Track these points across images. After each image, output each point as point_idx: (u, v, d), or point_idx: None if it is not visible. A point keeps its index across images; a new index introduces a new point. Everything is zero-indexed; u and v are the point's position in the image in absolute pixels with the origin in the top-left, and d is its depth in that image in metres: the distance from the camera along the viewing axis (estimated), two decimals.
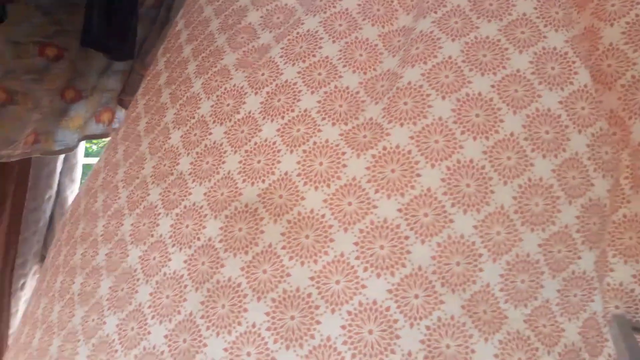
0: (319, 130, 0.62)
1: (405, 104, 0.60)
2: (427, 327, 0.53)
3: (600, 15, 0.64)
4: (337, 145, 0.61)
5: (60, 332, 0.68)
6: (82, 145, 1.19)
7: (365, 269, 0.55)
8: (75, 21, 0.88)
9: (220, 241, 0.61)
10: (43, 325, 0.73)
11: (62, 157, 1.12)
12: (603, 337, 0.58)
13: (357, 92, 0.64)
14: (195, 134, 0.72)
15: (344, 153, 0.60)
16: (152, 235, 0.68)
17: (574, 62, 0.60)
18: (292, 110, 0.65)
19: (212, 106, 0.72)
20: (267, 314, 0.56)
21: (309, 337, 0.54)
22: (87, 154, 1.32)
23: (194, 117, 0.73)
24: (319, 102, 0.64)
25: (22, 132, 0.87)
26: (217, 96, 0.72)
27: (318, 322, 0.55)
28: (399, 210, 0.56)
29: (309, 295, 0.56)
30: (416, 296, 0.54)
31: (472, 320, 0.53)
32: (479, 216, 0.56)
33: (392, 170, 0.58)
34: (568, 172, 0.58)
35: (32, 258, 1.09)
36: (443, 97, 0.61)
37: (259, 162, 0.64)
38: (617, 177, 0.61)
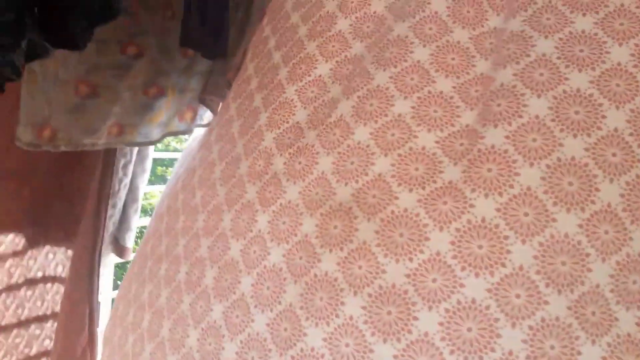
0: (415, 137, 0.63)
1: (499, 105, 0.60)
2: (530, 327, 0.52)
3: None
4: (433, 154, 0.62)
5: (170, 316, 0.75)
6: None
7: (463, 269, 0.56)
8: (155, 22, 0.95)
9: (316, 237, 0.64)
10: (151, 309, 0.80)
11: (136, 148, 1.22)
12: None
13: (452, 98, 0.65)
14: (289, 137, 0.75)
15: (440, 162, 0.61)
16: (252, 231, 0.72)
17: None
18: (386, 115, 0.66)
19: (308, 115, 0.75)
20: (364, 307, 0.58)
21: (406, 331, 0.56)
22: (156, 149, 1.42)
23: (287, 122, 0.77)
24: (412, 107, 0.65)
25: (103, 123, 0.94)
26: (314, 107, 0.75)
27: (415, 318, 0.56)
28: (498, 209, 0.56)
29: (405, 292, 0.57)
30: (517, 296, 0.53)
31: (579, 321, 0.52)
32: (583, 215, 0.54)
33: (489, 170, 0.58)
34: None
35: (107, 240, 1.20)
36: (539, 96, 0.59)
37: (352, 163, 0.66)
38: None
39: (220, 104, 1.12)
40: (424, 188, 0.60)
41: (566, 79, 0.60)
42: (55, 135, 0.85)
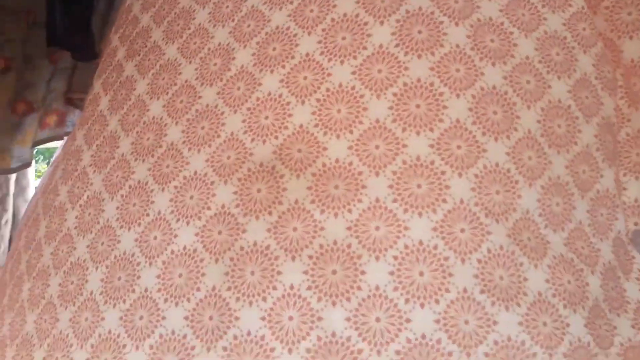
0: (329, 74, 0.58)
1: (420, 32, 0.58)
2: (479, 260, 0.51)
3: None
4: (352, 88, 0.57)
5: (45, 340, 0.59)
6: (33, 166, 1.10)
7: (406, 211, 0.52)
8: (18, 29, 0.81)
9: (237, 206, 0.55)
10: (16, 341, 0.63)
11: (13, 179, 1.02)
12: (630, 254, 0.59)
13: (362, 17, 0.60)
14: (181, 101, 0.65)
15: (362, 95, 0.56)
16: (148, 215, 0.60)
17: None
18: (293, 57, 0.60)
19: (196, 69, 0.65)
20: (306, 272, 0.51)
21: (355, 289, 0.50)
22: (38, 176, 1.21)
23: (175, 84, 0.66)
24: (319, 42, 0.60)
25: None
26: (201, 58, 0.66)
27: (363, 272, 0.51)
28: (431, 145, 0.54)
29: (349, 245, 0.52)
30: (462, 230, 0.51)
31: (520, 247, 0.51)
32: (509, 142, 0.54)
33: (417, 106, 0.55)
34: (581, 91, 0.58)
35: None
36: (457, 24, 0.59)
37: (266, 118, 0.59)
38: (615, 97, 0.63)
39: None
40: (351, 132, 0.55)
41: (478, 7, 0.60)
42: None
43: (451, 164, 0.53)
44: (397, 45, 0.58)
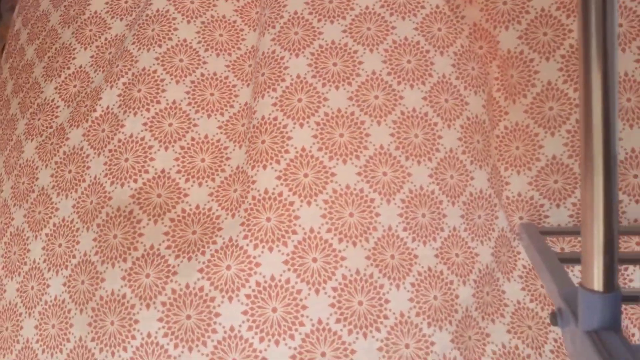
0: (195, 125, 0.57)
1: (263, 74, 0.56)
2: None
3: None
4: (217, 141, 0.56)
5: None
6: None
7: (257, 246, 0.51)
8: None
9: (96, 253, 0.55)
10: None
11: None
12: (515, 250, 0.58)
13: (227, 77, 0.59)
14: (51, 143, 0.64)
15: (226, 147, 0.55)
16: (26, 263, 0.60)
17: None
18: (158, 102, 0.58)
19: (70, 113, 0.64)
20: (160, 320, 0.51)
21: (210, 331, 0.50)
22: None
23: (51, 127, 0.65)
24: (187, 92, 0.58)
25: None
26: (77, 102, 0.64)
27: (217, 313, 0.50)
28: (279, 181, 0.52)
29: (201, 288, 0.51)
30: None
31: (378, 269, 0.50)
32: (359, 162, 0.52)
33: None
34: (439, 95, 0.55)
35: None
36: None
37: (126, 160, 0.57)
38: (489, 91, 0.60)
39: None
40: (213, 180, 0.54)
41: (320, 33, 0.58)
42: None
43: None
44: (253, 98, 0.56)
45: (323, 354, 0.49)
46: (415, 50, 0.55)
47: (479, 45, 0.60)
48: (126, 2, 0.67)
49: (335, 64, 0.55)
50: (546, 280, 0.38)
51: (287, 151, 0.53)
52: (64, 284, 0.56)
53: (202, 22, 0.62)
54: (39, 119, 0.66)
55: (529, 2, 0.61)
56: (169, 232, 0.54)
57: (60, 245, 0.58)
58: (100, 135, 0.60)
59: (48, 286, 0.57)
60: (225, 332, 0.50)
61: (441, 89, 0.55)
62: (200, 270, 0.51)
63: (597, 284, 0.32)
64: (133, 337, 0.51)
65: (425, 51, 0.55)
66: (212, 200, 0.55)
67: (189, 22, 0.62)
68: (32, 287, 0.58)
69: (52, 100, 0.66)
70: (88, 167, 0.60)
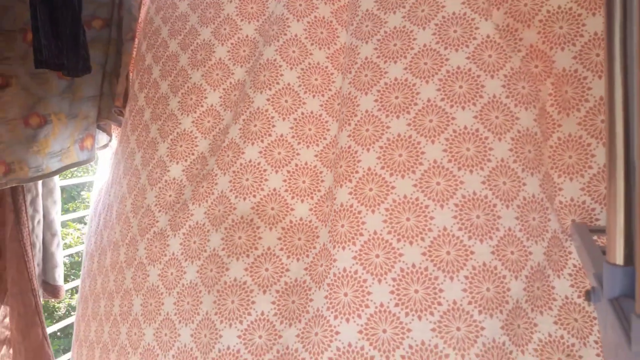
0: (297, 154, 0.73)
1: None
2: (394, 279, 0.61)
3: None
4: (314, 167, 0.73)
5: (113, 348, 0.77)
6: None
7: (335, 246, 0.63)
8: (14, 47, 0.87)
9: (223, 249, 0.71)
10: (99, 346, 0.83)
11: (41, 182, 1.11)
12: (566, 251, 0.64)
13: (320, 115, 0.74)
14: (196, 168, 0.80)
15: (321, 172, 0.73)
16: (165, 255, 0.78)
17: (473, 19, 0.67)
18: (269, 135, 0.74)
19: (209, 144, 0.80)
20: (273, 302, 0.65)
21: (305, 313, 0.63)
22: (62, 177, 1.34)
23: (193, 154, 0.81)
24: (291, 127, 0.74)
25: None
26: (214, 135, 0.81)
27: (311, 300, 0.62)
28: (349, 192, 0.65)
29: (304, 282, 0.64)
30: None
31: (434, 263, 0.59)
32: (415, 176, 0.62)
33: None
34: (490, 113, 0.64)
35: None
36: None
37: (247, 180, 0.74)
38: (542, 107, 0.67)
39: (115, 127, 1.12)
40: (312, 198, 0.71)
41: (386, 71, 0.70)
42: None
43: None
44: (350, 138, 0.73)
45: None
46: (467, 76, 0.65)
47: (534, 64, 0.68)
48: (244, 51, 0.82)
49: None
50: (588, 267, 0.45)
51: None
52: (197, 271, 0.72)
53: (302, 69, 0.76)
54: (180, 146, 0.82)
55: (583, 27, 0.67)
56: (281, 237, 0.70)
57: (194, 242, 0.73)
58: (226, 160, 0.75)
59: (185, 272, 0.73)
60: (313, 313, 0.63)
61: (492, 107, 0.64)
62: (305, 269, 0.66)
63: (619, 258, 0.39)
64: (249, 314, 0.66)
65: (476, 76, 0.64)
66: (312, 214, 0.72)
67: (291, 69, 0.76)
68: (172, 273, 0.74)
69: (191, 132, 0.82)
70: (216, 184, 0.75)
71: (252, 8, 0.84)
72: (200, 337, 0.69)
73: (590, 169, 0.66)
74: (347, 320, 0.62)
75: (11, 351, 1.05)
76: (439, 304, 0.58)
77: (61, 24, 0.78)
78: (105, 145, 1.15)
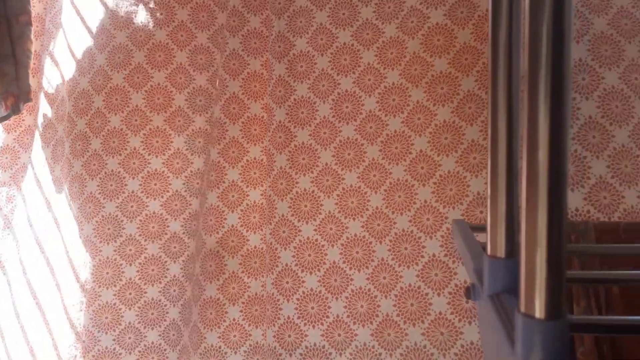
0: (343, 179, 0.92)
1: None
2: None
3: None
4: (358, 187, 0.91)
5: None
6: None
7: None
8: None
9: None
10: None
11: None
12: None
13: (356, 139, 0.93)
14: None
15: (365, 192, 0.92)
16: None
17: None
18: (317, 166, 0.94)
19: (271, 181, 0.99)
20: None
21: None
22: None
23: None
24: (333, 156, 0.98)
25: None
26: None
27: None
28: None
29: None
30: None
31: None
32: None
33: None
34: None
35: None
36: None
37: (305, 206, 0.94)
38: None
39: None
40: (362, 216, 0.89)
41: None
42: None
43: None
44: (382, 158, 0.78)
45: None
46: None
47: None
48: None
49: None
50: (468, 263, 0.39)
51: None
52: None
53: (333, 99, 0.92)
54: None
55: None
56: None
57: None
58: (280, 188, 0.93)
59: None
60: None
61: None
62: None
63: (500, 250, 0.35)
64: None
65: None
66: (364, 231, 0.89)
67: (324, 102, 0.93)
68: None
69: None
70: (275, 209, 0.95)
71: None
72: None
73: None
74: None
75: None
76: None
77: None
78: (4, 118, 1.04)
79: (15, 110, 0.94)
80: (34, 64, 1.14)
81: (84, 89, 1.07)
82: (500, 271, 0.34)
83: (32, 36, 0.95)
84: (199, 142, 1.08)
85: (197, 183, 1.07)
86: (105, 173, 1.06)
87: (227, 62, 1.03)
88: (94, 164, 1.07)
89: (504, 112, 0.35)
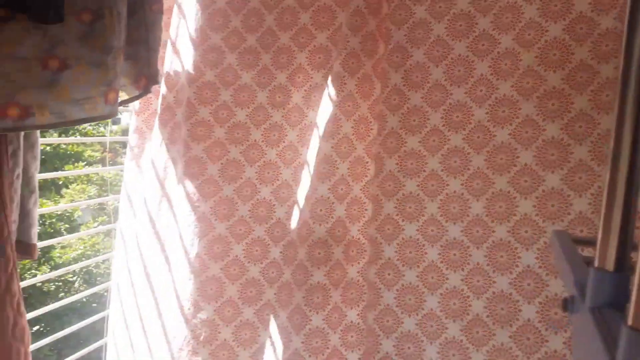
0: (447, 184, 1.04)
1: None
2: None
3: None
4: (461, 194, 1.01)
5: None
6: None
7: None
8: None
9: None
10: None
11: (22, 135, 0.99)
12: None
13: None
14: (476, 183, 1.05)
15: (467, 199, 1.03)
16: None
17: None
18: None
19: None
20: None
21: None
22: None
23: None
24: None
25: None
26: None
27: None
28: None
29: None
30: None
31: None
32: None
33: None
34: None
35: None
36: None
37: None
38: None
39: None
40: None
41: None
42: None
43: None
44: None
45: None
46: None
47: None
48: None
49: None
50: (567, 274, 0.41)
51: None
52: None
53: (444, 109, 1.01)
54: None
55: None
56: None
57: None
58: (387, 189, 1.07)
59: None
60: None
61: None
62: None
63: (609, 264, 0.39)
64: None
65: None
66: (463, 235, 0.99)
67: (435, 111, 1.07)
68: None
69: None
70: (382, 207, 1.06)
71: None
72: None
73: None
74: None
75: None
76: None
77: None
78: (125, 104, 1.09)
79: (146, 91, 1.04)
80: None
81: (209, 81, 1.21)
82: (606, 284, 0.38)
83: (162, 24, 1.04)
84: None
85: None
86: (227, 159, 1.20)
87: (345, 61, 1.11)
88: (216, 150, 1.20)
89: (630, 124, 0.36)
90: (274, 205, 1.18)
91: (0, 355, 0.87)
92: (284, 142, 1.19)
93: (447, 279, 0.99)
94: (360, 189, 1.12)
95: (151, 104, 1.33)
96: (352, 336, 1.09)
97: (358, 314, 1.09)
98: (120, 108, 1.16)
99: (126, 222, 1.32)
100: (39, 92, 0.81)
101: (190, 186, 1.20)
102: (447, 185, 1.02)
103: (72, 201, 6.42)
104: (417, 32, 1.08)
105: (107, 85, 0.88)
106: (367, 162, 1.12)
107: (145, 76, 1.01)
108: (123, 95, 1.02)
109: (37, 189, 1.06)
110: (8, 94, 0.78)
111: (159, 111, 1.27)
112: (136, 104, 1.31)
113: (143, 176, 1.30)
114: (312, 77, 1.17)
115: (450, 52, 1.04)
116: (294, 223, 1.15)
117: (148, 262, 1.25)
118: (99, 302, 4.97)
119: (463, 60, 1.03)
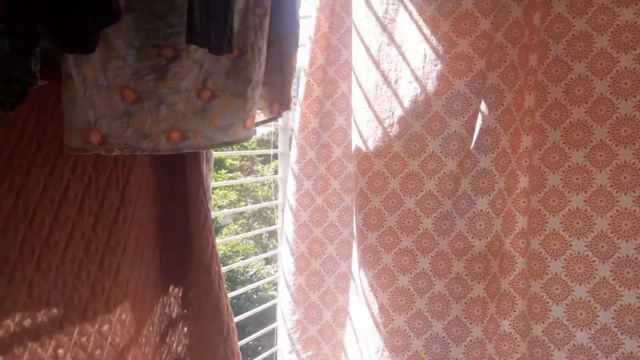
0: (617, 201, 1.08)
1: None
2: None
3: None
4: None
5: None
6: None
7: None
8: (182, 23, 0.88)
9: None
10: None
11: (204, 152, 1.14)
12: None
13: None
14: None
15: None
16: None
17: None
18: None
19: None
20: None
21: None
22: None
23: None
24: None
25: (155, 127, 0.88)
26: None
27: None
28: None
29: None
30: None
31: None
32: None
33: None
34: None
35: None
36: None
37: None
38: None
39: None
40: None
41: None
42: (106, 140, 0.83)
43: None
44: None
45: None
46: None
47: None
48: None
49: None
50: None
51: None
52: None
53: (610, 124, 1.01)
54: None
55: None
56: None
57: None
58: (552, 205, 1.12)
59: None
60: None
61: None
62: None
63: None
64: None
65: None
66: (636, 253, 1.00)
67: (601, 126, 1.07)
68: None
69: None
70: (546, 223, 1.11)
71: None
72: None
73: None
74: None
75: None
76: None
77: (213, 4, 0.83)
78: (257, 125, 1.16)
79: (277, 115, 1.14)
80: (320, 75, 1.39)
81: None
82: None
83: (297, 54, 1.12)
84: (454, 145, 1.18)
85: (450, 184, 1.18)
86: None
87: (504, 73, 1.11)
88: (364, 164, 1.29)
89: None
90: (420, 216, 1.19)
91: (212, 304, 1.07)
92: (424, 152, 1.20)
93: (620, 296, 1.00)
94: (512, 202, 1.12)
95: (309, 122, 1.44)
96: (504, 345, 1.11)
97: (509, 324, 1.12)
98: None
99: (287, 224, 1.48)
100: (193, 119, 0.93)
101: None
102: (617, 201, 1.02)
103: (215, 206, 6.97)
104: (578, 45, 1.07)
105: (246, 113, 0.99)
106: (517, 175, 1.12)
107: (277, 102, 1.10)
108: (258, 118, 1.12)
109: (211, 198, 1.20)
110: (173, 121, 0.91)
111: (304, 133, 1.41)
112: (297, 123, 1.46)
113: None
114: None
115: (616, 65, 1.03)
116: (441, 234, 1.17)
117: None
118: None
119: (630, 73, 1.02)
